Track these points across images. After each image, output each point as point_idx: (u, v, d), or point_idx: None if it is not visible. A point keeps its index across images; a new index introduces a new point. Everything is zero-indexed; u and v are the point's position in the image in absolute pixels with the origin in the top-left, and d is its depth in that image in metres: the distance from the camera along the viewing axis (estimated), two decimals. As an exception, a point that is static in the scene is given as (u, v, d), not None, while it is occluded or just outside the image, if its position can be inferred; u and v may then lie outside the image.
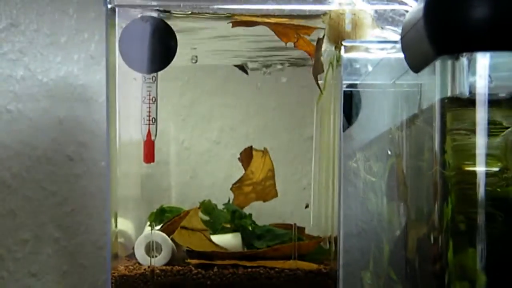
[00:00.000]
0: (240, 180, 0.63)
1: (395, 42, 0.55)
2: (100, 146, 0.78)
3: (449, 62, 0.42)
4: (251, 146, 0.64)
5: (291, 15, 0.60)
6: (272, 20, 0.60)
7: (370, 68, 0.66)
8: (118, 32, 0.60)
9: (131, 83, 0.61)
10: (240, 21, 0.60)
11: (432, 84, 0.43)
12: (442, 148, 0.42)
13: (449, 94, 0.42)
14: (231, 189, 0.63)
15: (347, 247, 0.80)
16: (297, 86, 0.67)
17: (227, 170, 0.68)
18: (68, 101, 0.78)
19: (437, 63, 0.42)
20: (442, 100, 0.42)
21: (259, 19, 0.60)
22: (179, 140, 0.69)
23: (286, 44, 0.60)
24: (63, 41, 0.79)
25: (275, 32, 0.60)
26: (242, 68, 0.65)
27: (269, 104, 0.68)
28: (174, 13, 0.60)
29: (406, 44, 0.46)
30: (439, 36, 0.40)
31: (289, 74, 0.66)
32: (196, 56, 0.63)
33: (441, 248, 0.42)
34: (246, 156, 0.64)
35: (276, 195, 0.64)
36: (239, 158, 0.64)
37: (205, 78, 0.68)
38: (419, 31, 0.41)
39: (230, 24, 0.60)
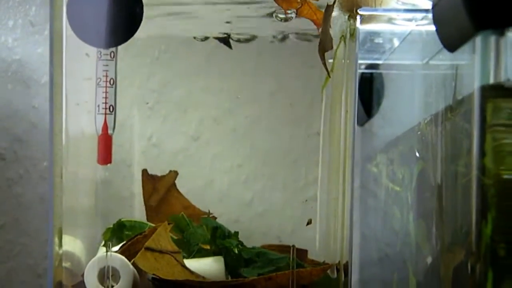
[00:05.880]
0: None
1: (427, 10, 0.57)
2: (42, 141, 0.78)
3: (492, 39, 0.43)
4: None
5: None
6: None
7: (396, 44, 0.67)
8: (66, -8, 0.61)
9: (83, 60, 0.62)
10: None
11: (472, 67, 0.45)
12: (481, 149, 0.43)
13: (491, 80, 0.43)
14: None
15: (366, 278, 0.81)
16: (304, 66, 0.67)
17: (208, 175, 0.69)
18: (-1, 82, 0.80)
19: (477, 40, 0.44)
20: (483, 88, 0.43)
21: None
22: (146, 135, 0.69)
23: (285, 12, 0.61)
24: (-6, 3, 0.80)
25: None
26: (225, 40, 0.66)
27: (266, 88, 0.69)
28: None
29: (438, 14, 0.48)
30: (480, 5, 0.41)
31: (295, 48, 0.67)
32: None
33: (479, 280, 0.43)
34: None
35: None
36: None
37: (181, 53, 0.68)
38: (454, -2, 0.43)
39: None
